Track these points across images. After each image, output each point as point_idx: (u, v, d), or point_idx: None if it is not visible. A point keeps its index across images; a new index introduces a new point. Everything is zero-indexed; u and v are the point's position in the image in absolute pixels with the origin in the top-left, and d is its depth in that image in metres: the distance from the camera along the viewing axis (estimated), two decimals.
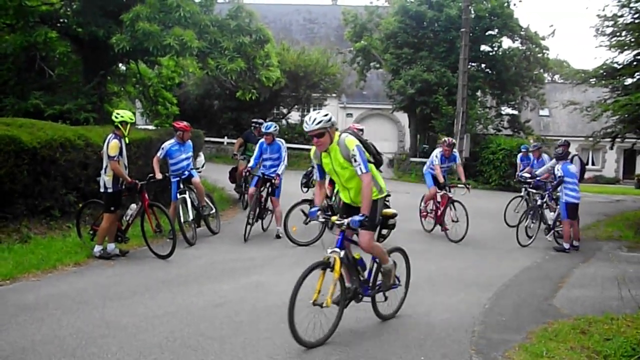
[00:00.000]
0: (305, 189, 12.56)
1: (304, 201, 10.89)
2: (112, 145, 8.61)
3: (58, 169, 9.96)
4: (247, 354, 5.29)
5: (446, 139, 12.65)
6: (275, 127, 11.21)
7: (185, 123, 11.02)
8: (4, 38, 15.55)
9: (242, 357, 5.21)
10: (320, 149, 5.86)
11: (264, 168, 11.13)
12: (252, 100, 18.34)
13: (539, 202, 12.03)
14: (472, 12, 25.59)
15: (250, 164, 11.25)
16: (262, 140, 11.23)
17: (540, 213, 12.05)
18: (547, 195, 12.09)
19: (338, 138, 5.79)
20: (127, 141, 8.99)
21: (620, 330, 6.19)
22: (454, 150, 12.44)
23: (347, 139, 5.72)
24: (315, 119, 5.68)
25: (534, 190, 12.83)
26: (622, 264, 10.38)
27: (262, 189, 11.06)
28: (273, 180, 10.83)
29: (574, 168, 11.60)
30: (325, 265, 5.66)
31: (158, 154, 10.63)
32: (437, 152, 12.36)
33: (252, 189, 11.11)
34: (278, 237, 11.07)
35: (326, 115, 5.75)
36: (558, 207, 11.77)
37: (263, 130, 11.20)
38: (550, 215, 11.99)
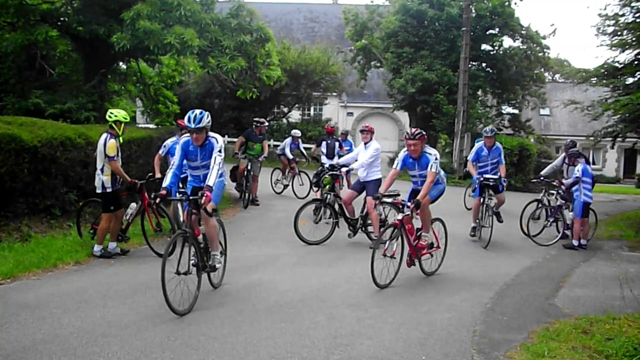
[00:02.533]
0: (315, 189, 12.57)
1: (314, 201, 10.88)
2: (111, 146, 8.59)
3: (59, 168, 9.95)
4: (248, 353, 5.28)
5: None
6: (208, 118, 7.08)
7: None
8: (5, 37, 15.56)
9: (243, 357, 5.19)
10: None
11: (196, 181, 7.47)
12: (252, 99, 18.36)
13: (558, 203, 12.04)
14: (473, 11, 25.58)
15: (166, 183, 6.87)
16: (187, 138, 7.32)
17: (561, 213, 12.07)
18: (556, 194, 12.13)
19: None
20: (122, 141, 8.97)
21: (622, 330, 6.19)
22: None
23: None
24: None
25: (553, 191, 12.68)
26: (623, 263, 10.37)
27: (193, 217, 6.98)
28: (200, 202, 6.66)
29: (590, 168, 11.77)
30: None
31: (160, 152, 10.68)
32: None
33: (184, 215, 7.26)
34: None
35: None
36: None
37: (191, 125, 6.89)
38: (569, 215, 12.01)
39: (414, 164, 8.38)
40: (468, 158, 11.91)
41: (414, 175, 8.60)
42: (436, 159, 8.17)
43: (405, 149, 8.39)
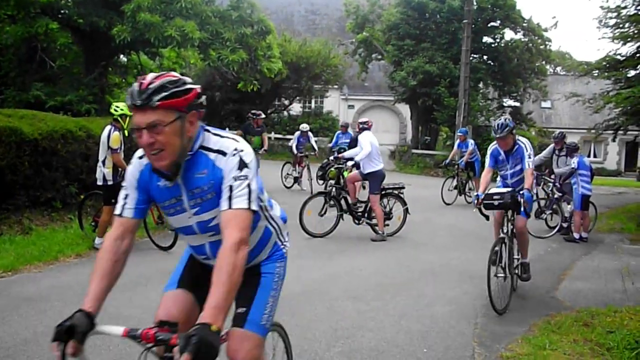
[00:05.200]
0: (321, 182, 12.51)
1: (320, 194, 10.88)
2: (115, 138, 8.60)
3: (59, 161, 9.95)
4: None
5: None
6: None
7: None
8: (5, 29, 15.53)
9: None
10: None
11: None
12: (253, 92, 18.32)
13: (556, 195, 12.03)
14: (475, 3, 25.48)
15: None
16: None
17: (558, 205, 12.07)
18: (552, 186, 12.13)
19: None
20: (127, 134, 8.99)
21: (623, 323, 6.17)
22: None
23: None
24: None
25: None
26: (624, 256, 10.36)
27: None
28: None
29: (588, 161, 11.74)
30: None
31: None
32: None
33: None
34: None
35: None
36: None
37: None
38: (567, 208, 12.00)
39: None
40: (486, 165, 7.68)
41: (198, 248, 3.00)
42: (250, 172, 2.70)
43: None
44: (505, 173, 7.54)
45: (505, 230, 7.01)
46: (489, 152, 7.61)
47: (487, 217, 7.10)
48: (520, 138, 7.35)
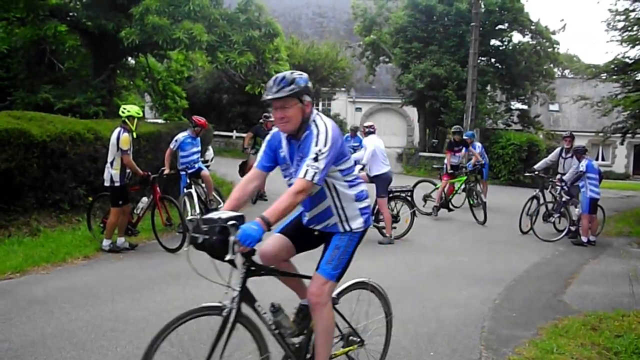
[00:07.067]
0: None
1: None
2: (125, 140, 8.66)
3: (68, 163, 10.00)
4: (256, 347, 5.27)
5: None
6: None
7: (204, 120, 11.15)
8: (14, 32, 15.60)
9: (250, 351, 5.19)
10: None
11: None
12: (261, 94, 18.28)
13: (564, 199, 11.99)
14: (482, 6, 25.44)
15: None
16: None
17: (566, 209, 12.03)
18: (560, 189, 12.07)
19: None
20: (135, 135, 9.04)
21: (631, 327, 6.15)
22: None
23: None
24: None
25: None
26: (632, 260, 10.31)
27: None
28: None
29: (597, 164, 11.72)
30: None
31: (171, 146, 10.76)
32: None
33: None
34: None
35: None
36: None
37: None
38: (575, 211, 11.96)
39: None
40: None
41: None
42: None
43: None
44: (292, 181, 3.86)
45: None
46: (265, 142, 4.10)
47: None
48: (318, 119, 3.90)
